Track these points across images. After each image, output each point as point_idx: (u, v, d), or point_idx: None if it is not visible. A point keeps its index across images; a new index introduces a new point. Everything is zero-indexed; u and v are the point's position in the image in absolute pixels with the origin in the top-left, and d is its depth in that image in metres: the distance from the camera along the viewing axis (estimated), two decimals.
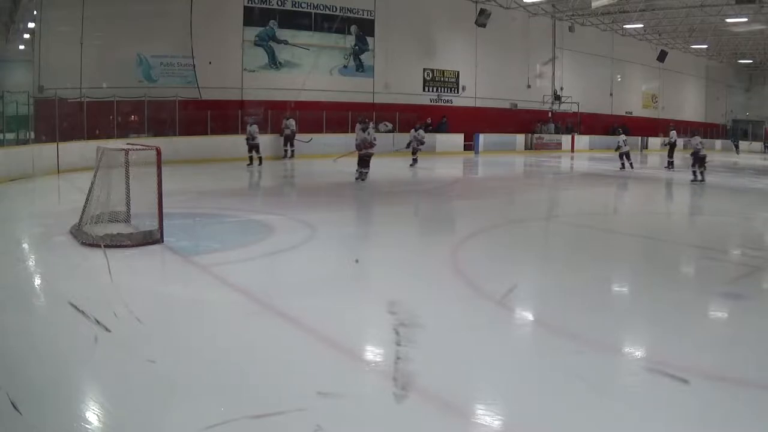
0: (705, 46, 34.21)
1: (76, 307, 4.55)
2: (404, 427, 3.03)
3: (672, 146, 20.52)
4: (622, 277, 6.42)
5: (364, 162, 13.56)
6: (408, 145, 18.82)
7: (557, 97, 29.60)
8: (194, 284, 5.52)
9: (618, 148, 18.76)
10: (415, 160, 18.50)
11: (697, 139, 15.90)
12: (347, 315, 4.74)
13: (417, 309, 4.67)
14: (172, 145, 15.41)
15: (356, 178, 13.55)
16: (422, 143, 19.07)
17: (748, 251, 7.53)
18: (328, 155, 18.46)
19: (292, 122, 19.20)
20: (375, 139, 13.67)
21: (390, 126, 24.15)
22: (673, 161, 19.66)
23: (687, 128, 36.56)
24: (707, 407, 3.28)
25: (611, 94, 32.81)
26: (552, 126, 29.42)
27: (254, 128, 16.66)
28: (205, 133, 18.55)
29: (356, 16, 23.67)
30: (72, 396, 3.30)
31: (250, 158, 16.64)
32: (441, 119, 25.38)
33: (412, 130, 19.24)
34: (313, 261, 6.50)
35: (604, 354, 4.06)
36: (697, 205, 13.20)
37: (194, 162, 16.59)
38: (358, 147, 13.66)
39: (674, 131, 21.06)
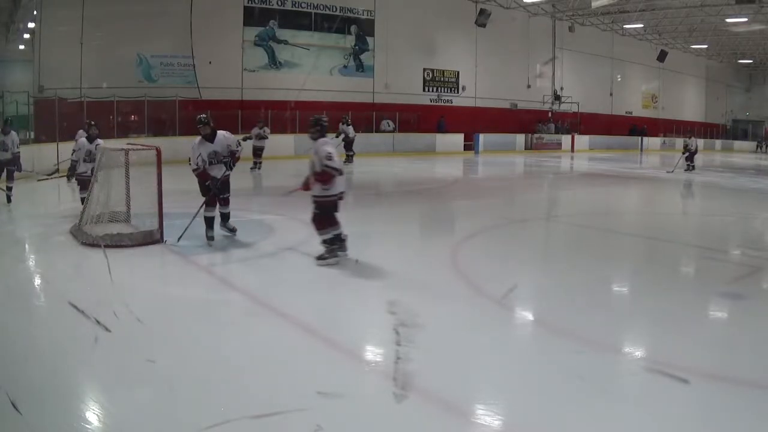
0: (705, 46, 34.25)
1: (76, 307, 4.55)
2: (404, 427, 3.03)
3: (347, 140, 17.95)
4: (622, 277, 6.42)
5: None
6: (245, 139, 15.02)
7: (557, 97, 29.63)
8: (194, 284, 5.52)
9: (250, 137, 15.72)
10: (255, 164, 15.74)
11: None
12: (347, 315, 4.75)
13: (417, 309, 4.66)
14: (172, 145, 15.39)
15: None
16: (265, 138, 15.86)
17: (748, 251, 7.53)
18: None
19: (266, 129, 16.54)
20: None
21: (391, 126, 24.18)
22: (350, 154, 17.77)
23: (688, 128, 36.76)
24: (707, 407, 3.28)
25: (611, 94, 32.84)
26: (552, 126, 29.44)
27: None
28: None
29: (356, 16, 23.69)
30: (72, 396, 3.30)
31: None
32: (440, 119, 25.40)
33: (255, 128, 15.94)
34: (313, 261, 6.49)
35: (604, 354, 4.06)
36: (696, 204, 13.21)
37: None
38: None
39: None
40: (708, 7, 25.23)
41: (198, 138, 6.96)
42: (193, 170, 6.94)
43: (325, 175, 5.81)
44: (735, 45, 33.74)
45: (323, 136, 6.08)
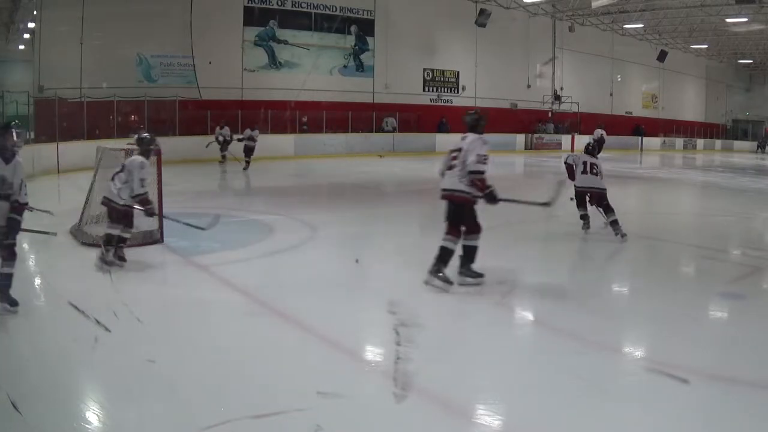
0: (705, 46, 34.24)
1: (76, 307, 4.55)
2: (404, 427, 3.03)
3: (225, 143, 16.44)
4: (622, 277, 6.43)
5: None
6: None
7: (557, 97, 29.62)
8: (194, 284, 5.51)
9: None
10: None
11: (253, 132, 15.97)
12: (347, 315, 4.74)
13: (417, 309, 4.66)
14: (172, 145, 15.38)
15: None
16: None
17: (748, 251, 7.53)
18: (329, 155, 18.43)
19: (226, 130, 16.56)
20: None
21: (390, 125, 24.19)
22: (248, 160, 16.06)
23: (688, 128, 36.75)
24: (707, 407, 3.28)
25: (611, 94, 32.82)
26: (552, 126, 29.43)
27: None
28: (205, 133, 18.51)
29: (356, 16, 23.69)
30: (72, 396, 3.30)
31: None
32: (440, 119, 25.39)
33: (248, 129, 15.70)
34: (313, 261, 6.50)
35: (604, 354, 4.06)
36: (696, 204, 13.20)
37: (194, 162, 16.57)
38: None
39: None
40: (708, 7, 25.22)
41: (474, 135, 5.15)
42: (479, 173, 5.10)
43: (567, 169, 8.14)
44: (735, 45, 33.72)
45: (598, 152, 7.90)
